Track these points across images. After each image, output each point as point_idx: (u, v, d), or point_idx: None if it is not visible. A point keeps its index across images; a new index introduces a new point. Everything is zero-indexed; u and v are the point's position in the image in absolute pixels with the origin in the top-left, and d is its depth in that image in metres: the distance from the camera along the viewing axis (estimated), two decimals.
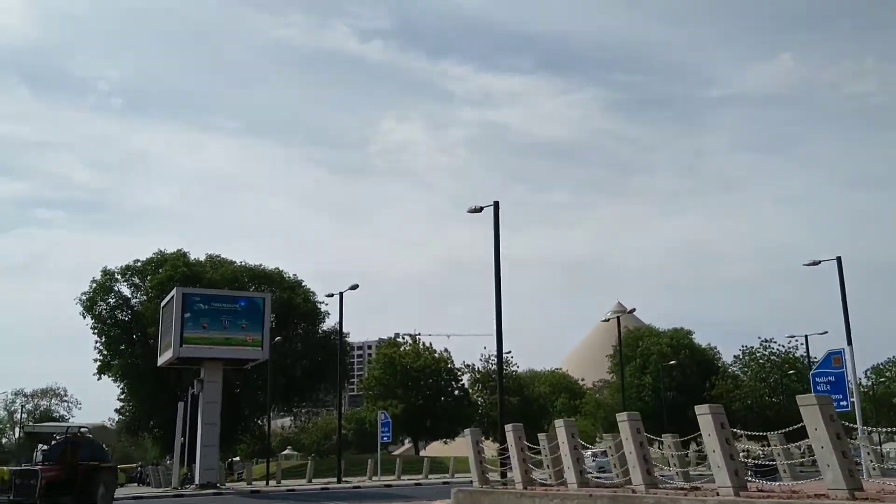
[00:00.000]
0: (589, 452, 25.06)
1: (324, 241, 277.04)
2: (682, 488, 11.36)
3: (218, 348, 31.32)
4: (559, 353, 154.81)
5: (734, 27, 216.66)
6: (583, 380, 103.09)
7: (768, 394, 69.47)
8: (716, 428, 10.33)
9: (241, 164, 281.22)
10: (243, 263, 59.82)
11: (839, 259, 26.89)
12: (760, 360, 71.81)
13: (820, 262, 27.74)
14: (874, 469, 23.08)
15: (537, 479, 14.74)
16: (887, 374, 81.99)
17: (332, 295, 35.47)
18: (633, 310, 43.22)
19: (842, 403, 22.83)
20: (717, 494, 10.05)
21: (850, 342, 26.65)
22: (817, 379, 23.53)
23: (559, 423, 13.60)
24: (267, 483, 40.70)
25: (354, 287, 34.97)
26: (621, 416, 12.16)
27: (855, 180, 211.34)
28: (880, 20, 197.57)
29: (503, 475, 17.63)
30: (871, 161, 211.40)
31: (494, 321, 20.67)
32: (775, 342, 72.06)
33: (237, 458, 68.33)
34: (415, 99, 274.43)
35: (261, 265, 60.49)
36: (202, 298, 32.17)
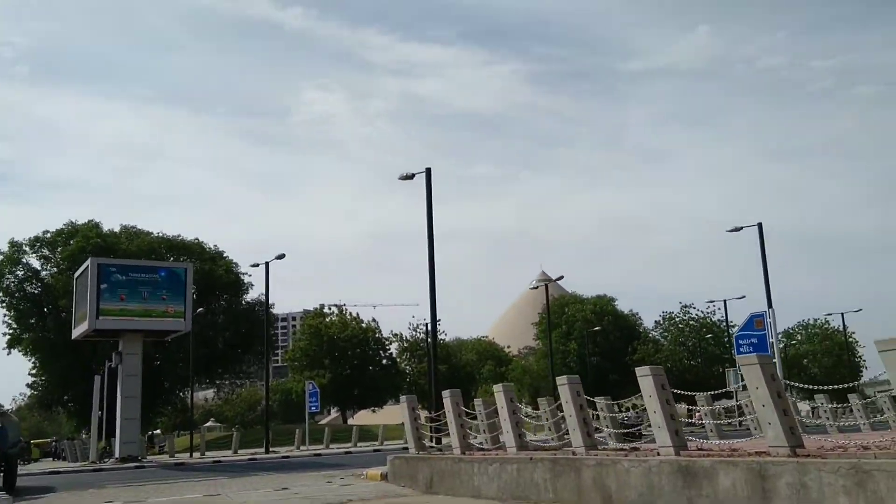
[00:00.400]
0: None
1: (245, 213, 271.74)
2: (621, 449, 11.35)
3: (137, 320, 30.12)
4: (486, 322, 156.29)
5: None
6: (508, 347, 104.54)
7: (687, 357, 71.81)
8: (656, 389, 10.31)
9: (158, 134, 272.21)
10: (161, 234, 57.96)
11: (760, 225, 27.64)
12: (680, 325, 74.09)
13: (741, 228, 28.45)
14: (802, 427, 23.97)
15: (475, 445, 14.60)
16: (797, 337, 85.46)
17: (257, 265, 34.63)
18: (561, 277, 43.66)
19: None
20: (658, 454, 10.05)
21: (770, 305, 27.52)
22: (741, 341, 24.23)
23: (498, 388, 13.44)
24: (191, 455, 39.79)
25: (281, 256, 34.15)
26: (561, 380, 12.05)
27: (772, 152, 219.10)
28: None
29: (437, 441, 17.46)
30: (784, 134, 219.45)
31: (428, 288, 20.41)
32: (694, 307, 74.46)
33: (158, 432, 66.76)
34: (336, 69, 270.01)
35: (179, 236, 58.78)
36: (119, 269, 30.80)
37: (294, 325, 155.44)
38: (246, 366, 65.86)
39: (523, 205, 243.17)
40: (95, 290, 29.22)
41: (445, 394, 15.05)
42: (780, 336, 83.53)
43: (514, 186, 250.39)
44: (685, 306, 74.78)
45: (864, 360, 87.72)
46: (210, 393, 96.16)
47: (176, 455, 39.92)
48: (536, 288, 49.76)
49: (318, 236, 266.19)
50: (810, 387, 10.86)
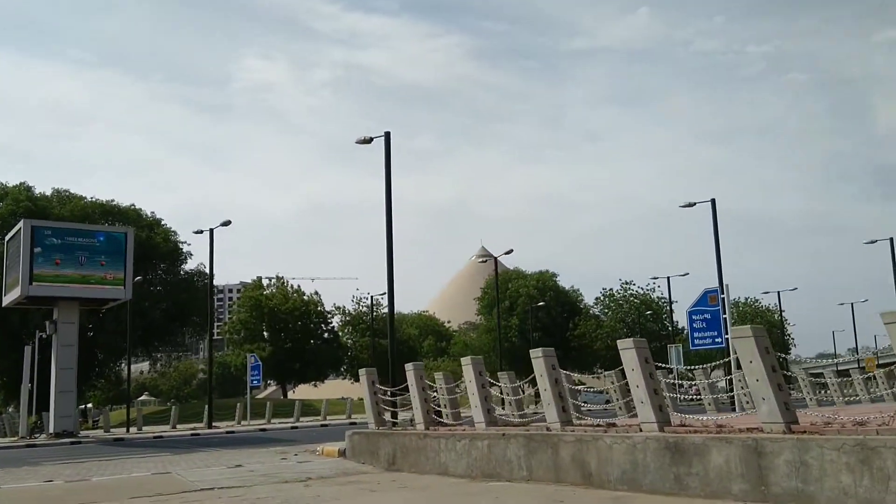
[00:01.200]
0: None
1: (183, 182, 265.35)
2: (599, 425, 11.02)
3: (74, 286, 28.55)
4: (426, 296, 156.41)
5: None
6: (449, 322, 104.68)
7: (626, 334, 72.71)
8: (640, 362, 9.95)
9: (94, 98, 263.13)
10: (94, 199, 55.61)
11: (713, 201, 27.81)
12: (620, 302, 75.00)
13: (695, 203, 28.55)
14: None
15: (439, 420, 14.13)
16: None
17: (201, 231, 33.32)
18: (511, 251, 43.39)
19: (717, 340, 23.70)
20: (641, 430, 9.73)
21: (721, 281, 27.72)
22: (694, 317, 24.25)
23: (466, 361, 12.96)
24: (127, 430, 38.45)
25: (227, 223, 32.93)
26: (536, 353, 11.63)
27: (706, 134, 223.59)
28: None
29: (394, 416, 16.93)
30: (719, 117, 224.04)
31: (385, 257, 19.75)
32: (634, 284, 75.44)
33: (90, 405, 64.65)
34: (279, 37, 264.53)
35: (114, 201, 56.45)
36: (54, 232, 29.09)
37: (231, 298, 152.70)
38: (184, 338, 64.12)
39: (464, 179, 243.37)
40: (28, 254, 27.55)
41: (409, 367, 14.53)
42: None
43: (455, 160, 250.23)
44: (625, 283, 75.78)
45: (793, 338, 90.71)
46: (145, 366, 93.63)
47: (112, 430, 38.57)
48: (486, 261, 49.18)
49: (257, 207, 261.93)
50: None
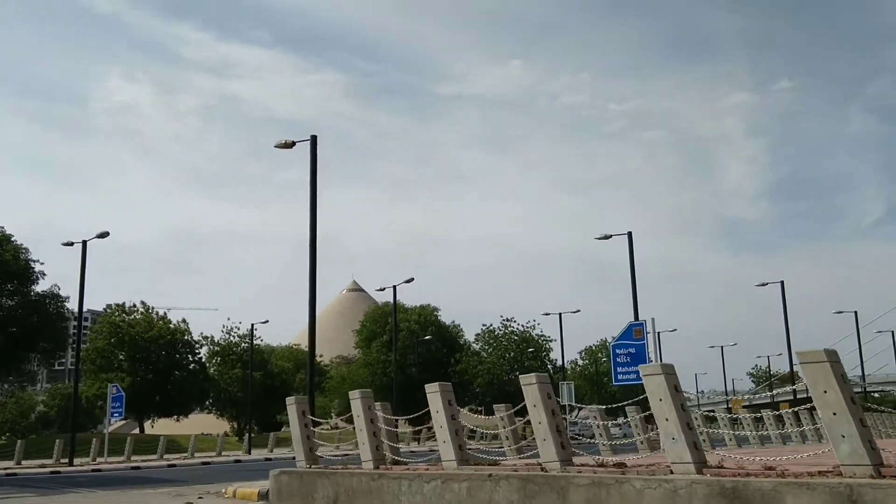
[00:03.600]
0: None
1: (33, 200, 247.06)
2: (617, 466, 9.47)
3: None
4: (293, 329, 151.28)
5: (475, 27, 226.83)
6: (321, 356, 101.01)
7: (507, 370, 72.24)
8: (669, 391, 8.55)
9: None
10: None
11: (630, 234, 27.39)
12: (501, 339, 74.54)
13: (611, 236, 28.07)
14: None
15: (390, 458, 12.17)
16: (599, 354, 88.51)
17: (71, 243, 29.50)
18: (411, 279, 41.69)
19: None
20: (672, 472, 8.29)
21: (636, 315, 27.17)
22: (618, 350, 23.44)
23: (433, 388, 11.14)
24: None
25: (104, 235, 29.35)
26: (528, 378, 10.03)
27: (568, 183, 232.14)
28: (598, 37, 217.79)
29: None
30: (580, 167, 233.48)
31: (308, 273, 17.62)
32: (515, 322, 75.29)
33: None
34: (144, 59, 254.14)
35: None
36: None
37: (85, 324, 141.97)
38: (31, 365, 57.88)
39: (333, 214, 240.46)
40: None
41: (355, 395, 12.54)
42: (581, 353, 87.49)
43: (325, 194, 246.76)
44: (506, 320, 75.51)
45: None
46: None
47: None
48: (383, 290, 46.61)
49: (117, 231, 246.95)
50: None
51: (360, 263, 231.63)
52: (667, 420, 8.47)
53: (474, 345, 77.30)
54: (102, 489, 17.86)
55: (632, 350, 22.94)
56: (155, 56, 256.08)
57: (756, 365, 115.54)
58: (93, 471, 26.23)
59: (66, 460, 35.38)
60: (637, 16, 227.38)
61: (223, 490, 15.46)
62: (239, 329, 70.33)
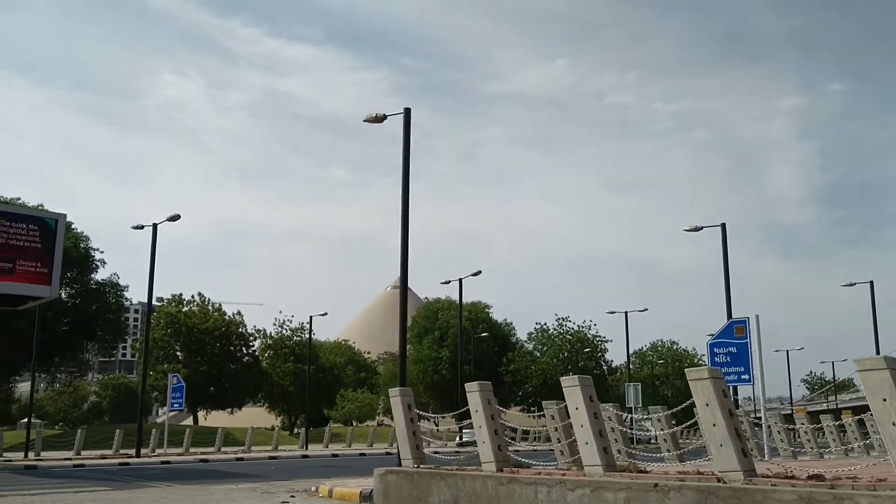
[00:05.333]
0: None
1: (84, 192, 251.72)
2: (792, 477, 8.09)
3: None
4: (336, 325, 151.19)
5: (521, 24, 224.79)
6: (369, 352, 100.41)
7: (562, 371, 70.61)
8: (890, 387, 7.12)
9: None
10: None
11: (723, 226, 25.85)
12: (555, 339, 72.95)
13: (702, 227, 26.50)
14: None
15: (511, 459, 10.92)
16: (649, 356, 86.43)
17: (141, 227, 28.85)
18: (479, 272, 40.41)
19: (743, 377, 21.32)
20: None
21: (729, 311, 25.59)
22: (716, 350, 21.81)
23: (571, 381, 9.85)
24: (26, 455, 33.14)
25: (175, 218, 28.65)
26: (698, 372, 8.68)
27: (610, 182, 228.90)
28: (646, 35, 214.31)
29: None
30: (622, 167, 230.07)
31: (400, 251, 16.46)
32: (570, 321, 73.64)
33: None
34: (196, 55, 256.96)
35: (20, 199, 50.40)
36: None
37: (136, 316, 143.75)
38: (90, 355, 57.95)
39: (376, 212, 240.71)
40: None
41: (472, 387, 11.29)
42: (633, 357, 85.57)
43: (368, 192, 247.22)
44: (561, 319, 73.91)
45: None
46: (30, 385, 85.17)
47: (4, 455, 33.22)
48: (448, 283, 45.04)
49: (164, 225, 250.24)
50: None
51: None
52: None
53: (527, 344, 75.81)
54: (179, 483, 16.93)
55: (732, 349, 21.32)
56: (205, 51, 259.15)
57: (811, 371, 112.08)
58: (161, 463, 25.46)
59: (126, 451, 34.94)
60: (687, 14, 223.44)
61: (313, 488, 14.38)
62: (291, 322, 69.91)
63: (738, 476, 8.10)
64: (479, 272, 40.80)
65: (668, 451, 13.01)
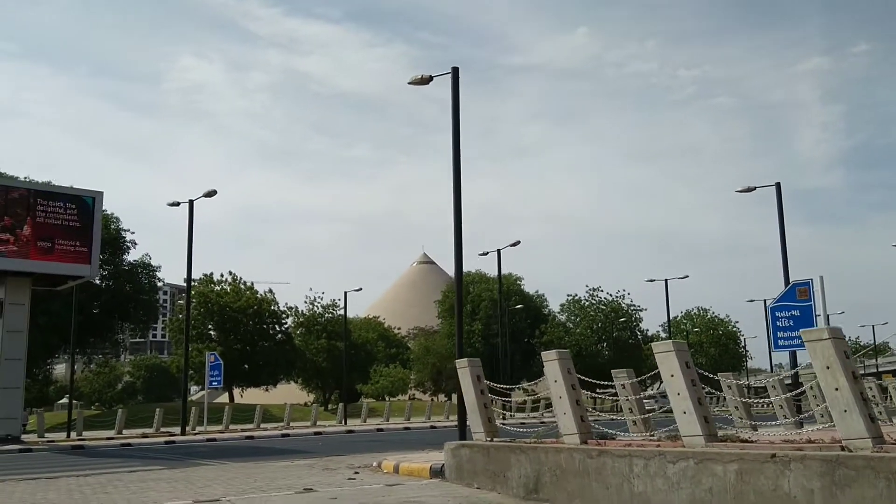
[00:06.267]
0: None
1: (107, 177, 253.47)
2: None
3: (29, 261, 23.36)
4: (363, 303, 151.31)
5: None
6: (399, 328, 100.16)
7: (597, 341, 69.91)
8: None
9: (13, 90, 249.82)
10: (28, 178, 49.41)
11: (778, 185, 24.89)
12: (588, 310, 72.01)
13: (755, 188, 25.54)
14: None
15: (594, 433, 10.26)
16: (682, 325, 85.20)
17: (177, 203, 28.38)
18: (517, 242, 39.69)
19: None
20: None
21: (786, 270, 24.69)
22: (777, 314, 20.98)
23: (664, 346, 9.16)
24: (68, 435, 33.15)
25: (211, 193, 28.14)
26: (818, 334, 7.92)
27: (632, 154, 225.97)
28: (667, 0, 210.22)
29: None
30: (644, 138, 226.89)
31: (453, 216, 15.75)
32: (602, 290, 72.64)
33: None
34: (216, 37, 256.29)
35: (50, 182, 50.23)
36: (3, 191, 23.72)
37: (165, 297, 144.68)
38: (123, 335, 58.12)
39: (398, 188, 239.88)
40: None
41: (551, 355, 10.61)
42: (665, 326, 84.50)
43: (390, 170, 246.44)
44: (593, 289, 72.94)
45: (748, 351, 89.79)
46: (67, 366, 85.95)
47: (46, 435, 33.22)
48: (486, 254, 43.86)
49: (182, 208, 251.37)
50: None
51: (427, 237, 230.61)
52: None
53: (559, 315, 74.97)
54: (231, 461, 16.52)
55: (795, 312, 20.47)
56: (225, 33, 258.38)
57: (846, 336, 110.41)
58: (207, 440, 25.17)
59: (167, 429, 34.90)
60: None
61: (374, 463, 13.85)
62: (322, 299, 69.70)
63: (865, 444, 7.37)
64: (518, 242, 40.11)
65: (785, 416, 12.28)
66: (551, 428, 11.83)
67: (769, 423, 15.82)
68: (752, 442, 8.86)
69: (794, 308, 20.59)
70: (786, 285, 24.02)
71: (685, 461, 8.36)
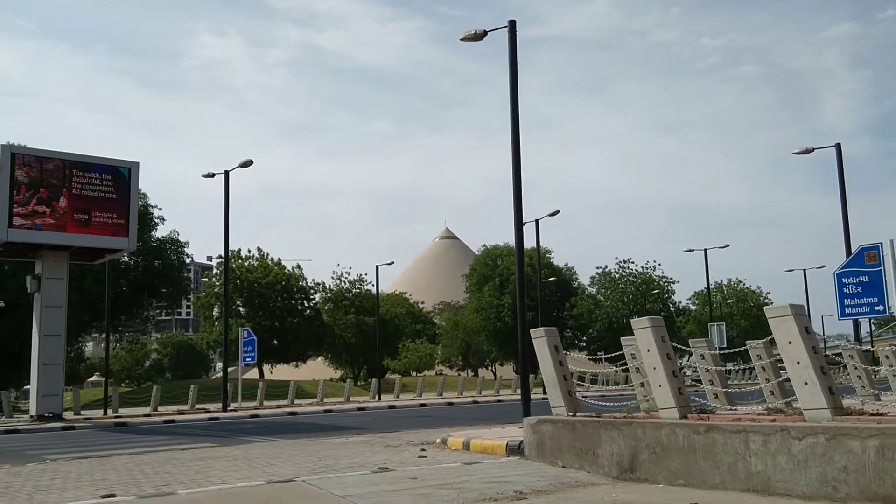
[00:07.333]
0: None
1: (127, 156, 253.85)
2: None
3: (63, 233, 22.82)
4: (386, 278, 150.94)
5: None
6: (423, 303, 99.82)
7: (628, 314, 68.95)
8: None
9: (33, 69, 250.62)
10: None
11: (838, 145, 23.70)
12: (619, 282, 71.09)
13: (813, 149, 24.39)
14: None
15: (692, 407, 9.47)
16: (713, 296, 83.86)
17: (212, 175, 27.72)
18: (557, 212, 38.77)
19: (877, 308, 19.47)
20: None
21: (847, 240, 23.66)
22: (844, 280, 19.90)
23: (779, 310, 8.33)
24: (105, 412, 32.91)
25: (247, 163, 27.48)
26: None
27: (656, 125, 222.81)
28: None
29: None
30: (669, 107, 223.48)
31: (512, 175, 15.08)
32: (633, 263, 71.66)
33: None
34: (234, 13, 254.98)
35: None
36: (39, 163, 23.13)
37: (189, 276, 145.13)
38: (153, 312, 58.00)
39: (418, 163, 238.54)
40: (7, 189, 21.75)
41: (643, 322, 9.78)
42: (693, 300, 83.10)
43: (411, 144, 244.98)
44: (623, 262, 71.95)
45: None
46: (100, 344, 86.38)
47: (82, 412, 32.98)
48: (543, 217, 42.90)
49: (207, 186, 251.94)
50: None
51: (448, 211, 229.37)
52: None
53: (589, 288, 74.08)
54: (282, 437, 15.96)
55: (864, 278, 19.43)
56: (243, 9, 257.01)
57: None
58: (250, 417, 24.70)
59: (201, 406, 34.61)
60: None
61: (438, 440, 13.17)
62: (349, 275, 69.23)
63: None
64: (557, 212, 39.12)
65: (863, 387, 11.46)
66: (630, 402, 11.10)
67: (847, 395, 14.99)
68: (881, 415, 8.04)
69: (862, 274, 19.56)
70: (847, 251, 23.07)
71: (814, 437, 7.53)
